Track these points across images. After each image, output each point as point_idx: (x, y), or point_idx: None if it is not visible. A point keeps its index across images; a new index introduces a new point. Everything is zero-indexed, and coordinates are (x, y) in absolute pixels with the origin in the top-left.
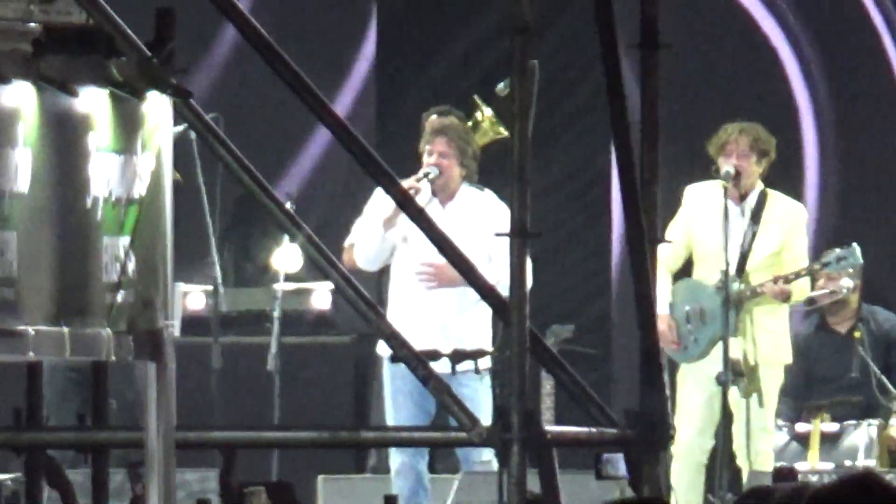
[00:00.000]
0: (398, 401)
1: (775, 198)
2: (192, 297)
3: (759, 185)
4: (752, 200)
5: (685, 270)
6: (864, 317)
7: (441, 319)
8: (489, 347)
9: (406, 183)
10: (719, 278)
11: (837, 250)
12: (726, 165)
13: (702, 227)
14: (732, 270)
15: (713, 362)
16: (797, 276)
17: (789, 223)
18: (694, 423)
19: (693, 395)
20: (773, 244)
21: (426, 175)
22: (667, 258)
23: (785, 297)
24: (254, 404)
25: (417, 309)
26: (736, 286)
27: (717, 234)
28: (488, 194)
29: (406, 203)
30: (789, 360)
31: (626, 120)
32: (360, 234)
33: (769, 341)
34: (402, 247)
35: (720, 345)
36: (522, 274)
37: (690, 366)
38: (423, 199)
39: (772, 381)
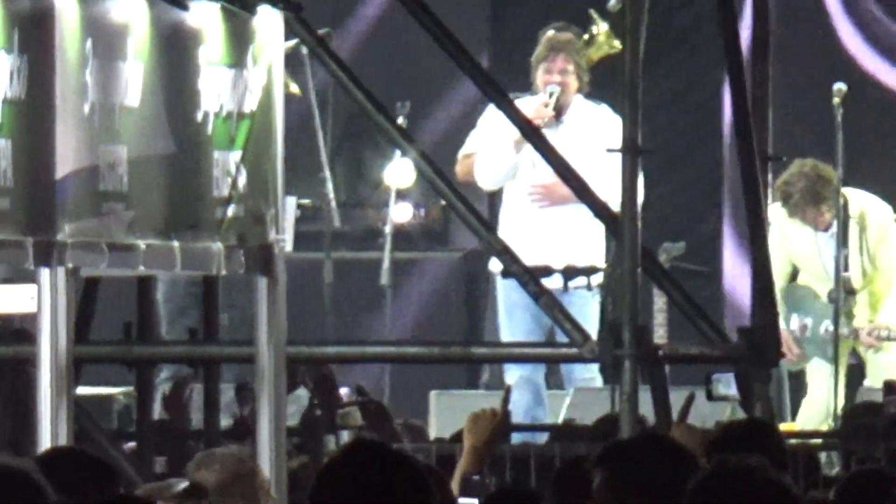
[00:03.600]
0: (515, 315)
1: (855, 205)
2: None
3: (835, 208)
4: (834, 225)
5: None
6: None
7: (554, 237)
8: (602, 264)
9: (535, 112)
10: (827, 299)
11: None
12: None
13: (795, 246)
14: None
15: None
16: (889, 334)
17: (874, 234)
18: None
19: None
20: (865, 263)
21: (551, 95)
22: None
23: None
24: (366, 320)
25: (531, 228)
26: (844, 330)
27: (812, 256)
28: (604, 109)
29: (527, 128)
30: None
31: (737, 35)
32: (486, 153)
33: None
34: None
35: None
36: (634, 190)
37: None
38: (547, 118)
39: None
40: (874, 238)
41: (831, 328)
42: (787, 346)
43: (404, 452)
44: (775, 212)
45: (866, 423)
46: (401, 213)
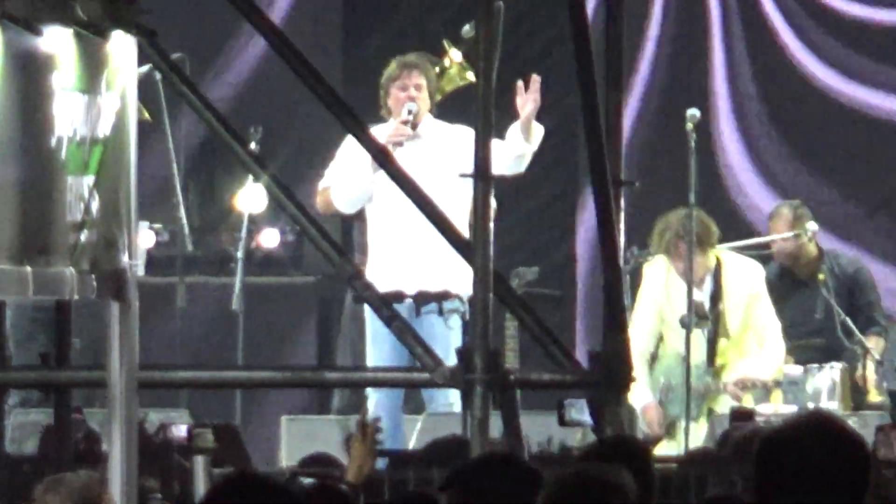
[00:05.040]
0: (378, 342)
1: (728, 265)
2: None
3: (713, 263)
4: (708, 282)
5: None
6: (827, 261)
7: (426, 261)
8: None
9: (394, 130)
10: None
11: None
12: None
13: (671, 302)
14: (703, 357)
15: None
16: (754, 385)
17: (747, 291)
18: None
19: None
20: (737, 322)
21: (409, 112)
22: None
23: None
24: (218, 345)
25: (401, 252)
26: (708, 379)
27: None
28: (459, 126)
29: (381, 155)
30: None
31: (590, 61)
32: (343, 176)
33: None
34: (378, 191)
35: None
36: (486, 215)
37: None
38: (407, 136)
39: None
40: (746, 299)
41: (694, 383)
42: (651, 425)
43: (284, 484)
44: (656, 266)
45: (711, 448)
46: (268, 239)
